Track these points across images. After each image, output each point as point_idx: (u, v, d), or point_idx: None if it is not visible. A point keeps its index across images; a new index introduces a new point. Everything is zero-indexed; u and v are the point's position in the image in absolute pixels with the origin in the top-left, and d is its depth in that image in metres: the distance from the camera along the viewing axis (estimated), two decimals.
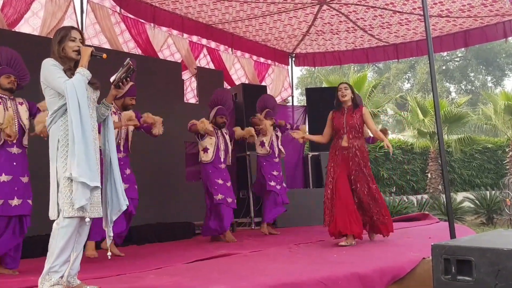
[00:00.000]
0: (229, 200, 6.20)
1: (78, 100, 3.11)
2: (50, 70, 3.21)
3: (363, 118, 5.50)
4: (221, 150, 6.34)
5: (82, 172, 3.03)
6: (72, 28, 3.42)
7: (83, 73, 3.22)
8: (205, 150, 6.28)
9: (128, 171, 5.33)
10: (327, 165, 5.59)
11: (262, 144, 7.00)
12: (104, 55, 3.33)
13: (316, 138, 5.95)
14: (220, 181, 6.19)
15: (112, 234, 3.45)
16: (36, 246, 5.16)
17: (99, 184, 3.18)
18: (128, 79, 3.45)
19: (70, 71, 3.27)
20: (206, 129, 6.07)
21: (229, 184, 6.33)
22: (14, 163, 4.27)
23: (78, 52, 3.32)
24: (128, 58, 3.44)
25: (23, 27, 6.17)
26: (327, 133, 5.72)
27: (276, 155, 7.07)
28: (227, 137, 6.48)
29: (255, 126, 6.91)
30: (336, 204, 5.25)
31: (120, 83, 3.46)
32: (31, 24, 6.23)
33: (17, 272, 4.28)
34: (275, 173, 7.00)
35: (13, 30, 5.98)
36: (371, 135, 7.27)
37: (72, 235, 3.12)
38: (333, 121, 5.58)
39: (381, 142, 5.50)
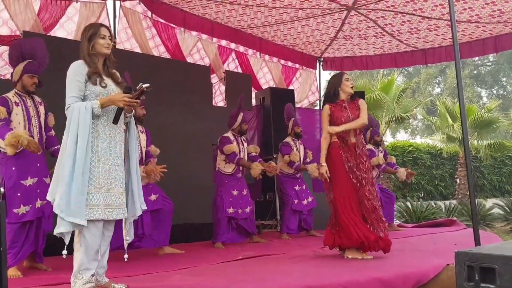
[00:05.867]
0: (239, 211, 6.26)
1: (77, 130, 3.13)
2: (69, 81, 3.25)
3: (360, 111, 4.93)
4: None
5: (61, 204, 3.05)
6: (101, 25, 3.44)
7: (94, 106, 3.20)
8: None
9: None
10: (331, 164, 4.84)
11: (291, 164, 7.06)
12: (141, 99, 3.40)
13: (325, 151, 4.90)
14: (235, 192, 6.26)
15: (128, 238, 3.46)
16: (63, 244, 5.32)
17: (76, 221, 3.07)
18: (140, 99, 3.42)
19: (95, 75, 3.29)
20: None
21: (244, 192, 6.40)
22: (38, 164, 4.30)
23: (109, 47, 3.36)
24: (141, 83, 3.35)
25: (59, 31, 6.33)
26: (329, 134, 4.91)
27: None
28: (245, 145, 6.49)
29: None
30: (355, 209, 4.73)
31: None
32: (66, 29, 6.40)
33: (50, 269, 4.36)
34: (297, 188, 7.11)
35: (48, 34, 6.16)
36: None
37: (95, 234, 3.19)
38: (334, 115, 4.87)
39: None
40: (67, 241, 3.15)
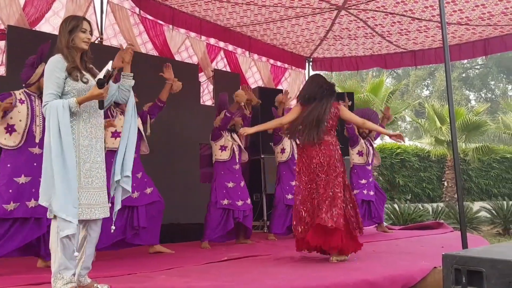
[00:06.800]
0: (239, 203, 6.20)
1: (59, 130, 3.07)
2: (47, 78, 3.19)
3: None
4: (235, 151, 6.32)
5: (61, 206, 3.01)
6: (84, 19, 3.36)
7: (72, 105, 3.13)
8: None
9: (139, 174, 5.32)
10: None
11: (283, 151, 6.97)
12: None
13: None
14: (230, 184, 6.19)
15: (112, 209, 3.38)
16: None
17: (76, 222, 3.06)
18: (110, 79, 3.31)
19: (76, 70, 3.22)
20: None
21: (242, 184, 6.33)
22: (35, 164, 4.19)
23: (88, 43, 3.29)
24: (106, 69, 3.23)
25: (44, 26, 6.24)
26: None
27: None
28: (235, 137, 6.38)
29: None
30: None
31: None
32: (52, 24, 6.30)
33: None
34: (293, 183, 6.94)
35: (34, 29, 6.07)
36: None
37: (71, 234, 3.11)
38: None
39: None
40: (75, 243, 3.12)
